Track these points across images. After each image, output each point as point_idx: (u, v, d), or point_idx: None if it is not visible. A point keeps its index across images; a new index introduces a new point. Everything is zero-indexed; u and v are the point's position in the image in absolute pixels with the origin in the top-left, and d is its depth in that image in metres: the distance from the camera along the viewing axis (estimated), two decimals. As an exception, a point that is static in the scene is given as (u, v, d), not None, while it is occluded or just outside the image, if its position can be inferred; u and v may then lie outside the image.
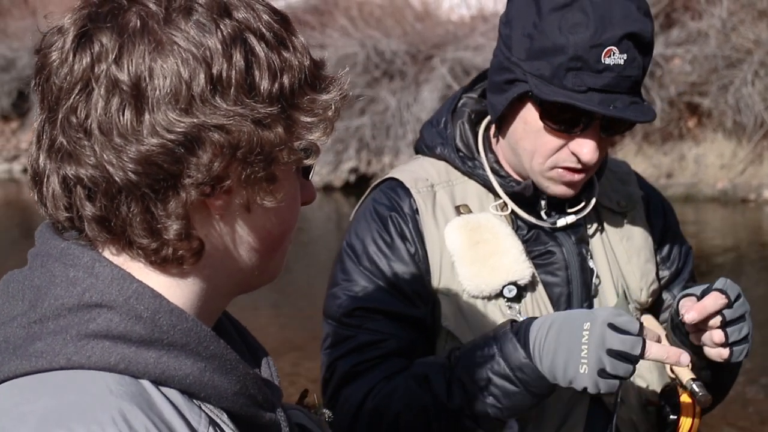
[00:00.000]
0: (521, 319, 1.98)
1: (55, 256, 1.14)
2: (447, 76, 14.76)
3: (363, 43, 15.64)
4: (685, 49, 13.53)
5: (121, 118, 1.06)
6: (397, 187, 2.10)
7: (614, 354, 1.76)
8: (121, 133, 1.07)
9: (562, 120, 1.95)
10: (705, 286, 1.95)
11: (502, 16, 2.02)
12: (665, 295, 2.25)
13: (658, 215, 2.25)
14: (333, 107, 1.15)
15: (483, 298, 2.01)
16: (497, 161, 2.11)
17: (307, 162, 1.17)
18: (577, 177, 2.01)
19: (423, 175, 2.11)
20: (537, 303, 2.05)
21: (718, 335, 1.89)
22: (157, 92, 1.06)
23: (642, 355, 1.77)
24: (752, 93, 13.05)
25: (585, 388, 1.79)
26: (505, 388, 1.86)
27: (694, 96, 13.42)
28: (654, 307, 2.22)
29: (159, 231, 1.10)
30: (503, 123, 2.05)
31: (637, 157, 13.80)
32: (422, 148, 2.19)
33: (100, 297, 1.10)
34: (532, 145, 2.00)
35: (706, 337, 1.91)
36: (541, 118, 1.96)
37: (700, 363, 2.01)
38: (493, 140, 2.12)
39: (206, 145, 1.07)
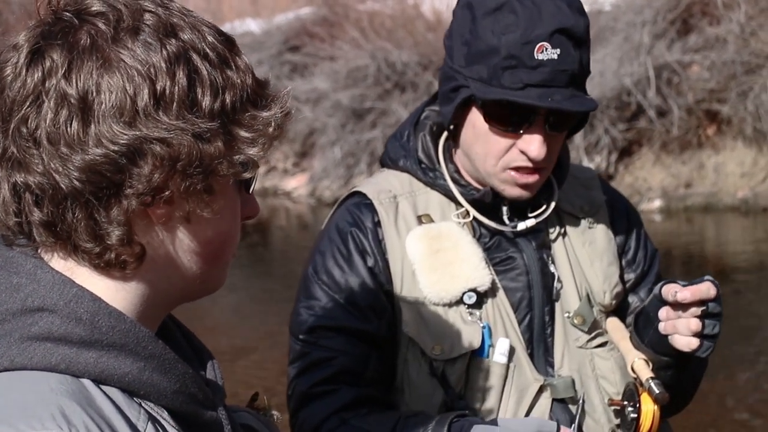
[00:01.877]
0: (481, 325, 2.10)
1: (0, 265, 1.22)
2: None
3: (374, 54, 15.68)
4: (702, 56, 13.49)
5: (69, 129, 1.15)
6: (360, 203, 2.19)
7: None
8: (67, 143, 1.15)
9: (506, 119, 2.05)
10: (687, 282, 2.02)
11: (446, 31, 2.15)
12: (631, 298, 2.32)
13: (622, 219, 2.33)
14: (274, 123, 1.24)
15: (443, 305, 2.10)
16: (457, 171, 2.19)
17: (246, 175, 1.25)
18: (531, 179, 2.10)
19: (386, 187, 2.20)
20: (498, 308, 2.13)
21: (695, 323, 1.97)
22: (103, 106, 1.15)
23: None
24: None
25: None
26: None
27: (712, 103, 13.38)
28: (620, 310, 2.29)
29: (102, 236, 1.18)
30: (456, 132, 2.16)
31: (655, 166, 13.76)
32: (386, 161, 2.28)
33: (42, 301, 1.18)
34: (483, 148, 2.09)
35: (682, 323, 1.98)
36: (486, 119, 2.06)
37: (661, 362, 2.10)
38: (453, 150, 2.21)
39: (148, 156, 1.16)
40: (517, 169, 2.09)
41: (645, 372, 2.06)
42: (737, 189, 13.24)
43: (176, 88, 1.17)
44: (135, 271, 1.22)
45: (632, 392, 2.11)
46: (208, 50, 1.20)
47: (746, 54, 13.26)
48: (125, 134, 1.15)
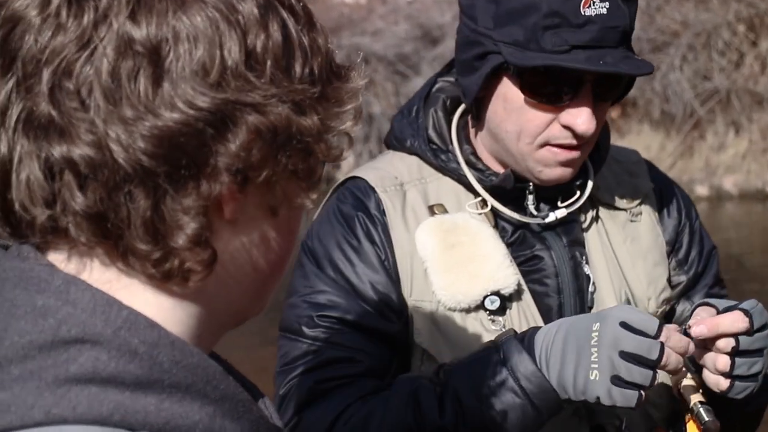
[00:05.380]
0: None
1: (13, 281, 1.04)
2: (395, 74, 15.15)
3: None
4: (606, 32, 13.87)
5: (133, 86, 0.98)
6: (363, 186, 2.03)
7: (628, 357, 1.70)
8: (132, 104, 0.98)
9: (547, 90, 1.88)
10: (733, 303, 1.87)
11: None
12: (682, 306, 2.16)
13: (672, 210, 2.17)
14: (359, 96, 1.13)
15: (461, 310, 1.94)
16: (474, 153, 2.02)
17: (345, 156, 1.13)
18: (574, 154, 1.91)
19: (391, 173, 2.04)
20: (524, 315, 1.96)
21: (723, 362, 1.82)
22: (182, 59, 0.99)
23: (660, 360, 1.70)
24: (681, 79, 13.41)
25: (598, 400, 1.74)
26: (508, 401, 1.80)
27: (617, 83, 13.89)
28: (668, 319, 2.12)
29: (165, 235, 1.01)
30: (480, 108, 1.98)
31: (557, 152, 13.94)
32: (392, 141, 2.12)
33: (82, 330, 1.00)
34: (516, 125, 1.91)
35: (709, 359, 1.84)
36: (522, 90, 1.89)
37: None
38: (471, 130, 2.05)
39: (240, 126, 1.01)
40: (557, 146, 1.91)
41: (693, 395, 1.89)
42: (644, 176, 13.70)
43: (270, 43, 1.02)
44: (197, 285, 1.05)
45: (678, 418, 1.98)
46: (293, 2, 1.08)
47: (652, 31, 13.68)
48: (210, 97, 0.99)
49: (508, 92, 1.90)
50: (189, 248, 1.02)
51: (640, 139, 13.68)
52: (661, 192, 2.17)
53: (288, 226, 1.12)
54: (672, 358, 1.73)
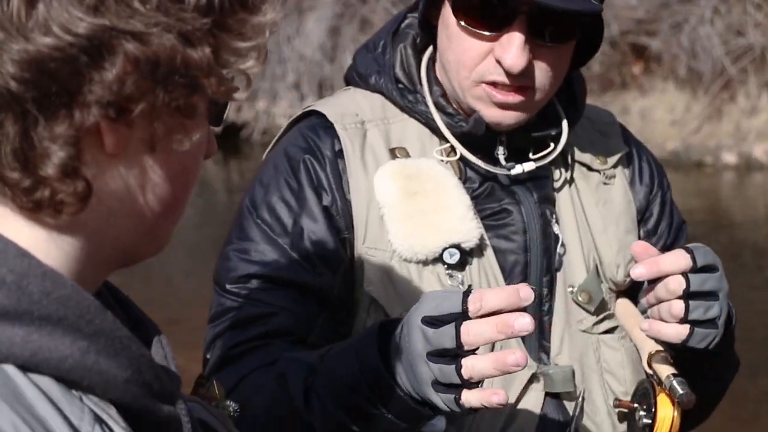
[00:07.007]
0: (463, 291, 1.76)
1: None
2: (337, 2, 15.38)
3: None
4: (631, -21, 14.01)
5: (6, 6, 1.00)
6: (317, 125, 2.05)
7: (435, 356, 1.64)
8: (3, 26, 1.00)
9: (478, 16, 1.94)
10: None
11: None
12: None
13: (645, 177, 2.23)
14: (267, 33, 1.13)
15: (417, 262, 1.97)
16: (443, 95, 2.06)
17: (239, 96, 1.13)
18: (511, 98, 1.95)
19: (352, 109, 2.07)
20: (485, 272, 2.01)
21: (677, 306, 1.86)
22: None
23: (459, 344, 1.60)
24: (711, 34, 13.52)
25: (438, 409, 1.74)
26: (356, 403, 1.78)
27: (640, 36, 14.01)
28: (632, 291, 2.16)
29: (35, 163, 1.04)
30: (435, 40, 2.06)
31: (571, 109, 14.35)
32: (354, 77, 2.15)
33: None
34: (455, 54, 1.99)
35: (663, 309, 1.88)
36: (454, 12, 1.96)
37: (682, 359, 1.99)
38: (439, 70, 2.11)
39: (117, 55, 1.02)
40: (493, 84, 1.93)
41: (665, 368, 1.92)
42: (666, 139, 13.78)
43: None
44: (73, 217, 1.07)
45: (646, 392, 1.99)
46: None
47: (682, -22, 13.91)
48: (87, 22, 0.99)
49: (449, 17, 1.98)
50: (59, 178, 1.04)
51: (664, 99, 14.00)
52: (634, 157, 2.22)
53: (179, 164, 1.12)
54: (477, 331, 1.61)
